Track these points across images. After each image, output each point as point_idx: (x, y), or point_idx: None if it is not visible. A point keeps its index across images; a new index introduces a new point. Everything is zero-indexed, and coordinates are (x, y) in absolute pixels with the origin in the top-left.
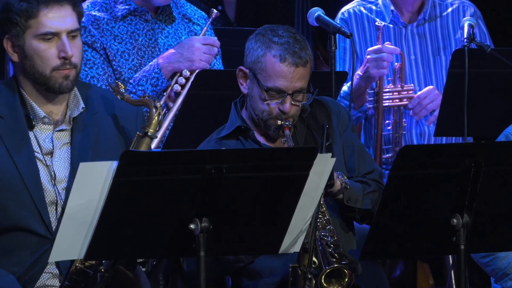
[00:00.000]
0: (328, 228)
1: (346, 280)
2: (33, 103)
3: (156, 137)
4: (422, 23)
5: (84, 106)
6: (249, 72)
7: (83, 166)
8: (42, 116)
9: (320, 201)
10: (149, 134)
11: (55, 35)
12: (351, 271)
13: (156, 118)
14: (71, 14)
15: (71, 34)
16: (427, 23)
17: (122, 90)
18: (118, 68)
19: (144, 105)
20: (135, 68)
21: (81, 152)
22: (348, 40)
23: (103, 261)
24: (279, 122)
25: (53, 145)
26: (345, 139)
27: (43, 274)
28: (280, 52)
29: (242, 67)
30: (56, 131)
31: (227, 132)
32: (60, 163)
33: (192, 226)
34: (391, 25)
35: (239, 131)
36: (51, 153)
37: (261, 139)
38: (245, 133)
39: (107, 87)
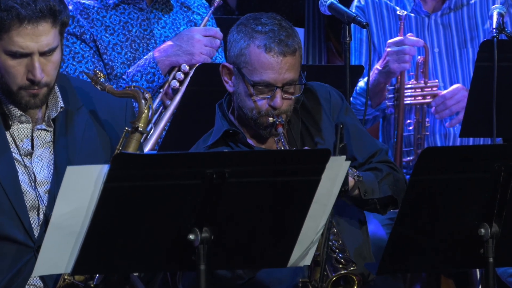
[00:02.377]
0: (332, 231)
1: (355, 287)
2: (8, 102)
3: (147, 132)
4: (447, 12)
5: (63, 106)
6: (233, 68)
7: (70, 170)
8: (19, 114)
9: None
10: (139, 129)
11: (26, 55)
12: (359, 277)
13: (146, 111)
14: (49, 31)
15: (46, 52)
16: (453, 12)
17: (102, 79)
18: (110, 62)
19: (130, 97)
20: (128, 62)
21: (65, 151)
22: (364, 31)
23: (96, 276)
24: (270, 119)
25: (32, 145)
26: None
27: (26, 287)
28: (264, 41)
29: (225, 63)
30: (37, 129)
31: (214, 139)
32: (41, 164)
33: (191, 236)
34: (412, 14)
35: (227, 136)
36: (30, 154)
37: (252, 141)
38: (235, 138)
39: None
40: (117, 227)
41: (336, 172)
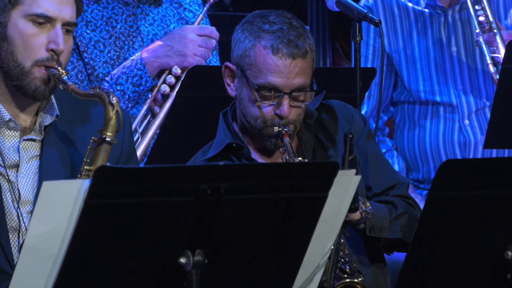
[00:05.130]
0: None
1: None
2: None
3: (116, 141)
4: (466, 7)
5: (58, 114)
6: (236, 69)
7: (47, 186)
8: (7, 119)
9: (341, 228)
10: (107, 139)
11: (49, 21)
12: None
13: (114, 117)
14: (72, 3)
15: (67, 27)
16: None
17: (65, 77)
18: (91, 62)
19: (95, 99)
20: (112, 62)
21: (53, 168)
22: (372, 33)
23: None
24: (276, 129)
25: (19, 157)
26: (358, 148)
27: None
28: (271, 41)
29: (228, 64)
30: (24, 140)
31: (215, 152)
32: (27, 180)
33: (182, 260)
34: (426, 10)
35: (230, 150)
36: (16, 166)
37: (257, 156)
38: (238, 152)
39: (78, 86)
40: (99, 249)
41: (345, 188)
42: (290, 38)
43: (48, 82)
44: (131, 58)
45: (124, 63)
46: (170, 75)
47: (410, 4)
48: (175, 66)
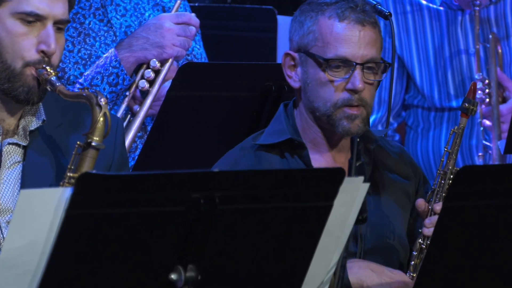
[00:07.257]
0: None
1: None
2: None
3: (103, 146)
4: (486, 5)
5: (45, 119)
6: (298, 56)
7: (25, 195)
8: None
9: (348, 241)
10: (92, 144)
11: (40, 19)
12: None
13: (101, 120)
14: (64, 0)
15: (58, 25)
16: (493, 6)
17: (53, 78)
18: (60, 63)
19: (83, 101)
20: (83, 62)
21: (36, 175)
22: (384, 33)
23: None
24: (347, 109)
25: (0, 162)
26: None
27: None
28: (336, 10)
29: (289, 51)
30: (8, 143)
31: (276, 141)
32: (7, 187)
33: (173, 276)
34: (441, 8)
35: (285, 144)
36: None
37: (317, 162)
38: (296, 151)
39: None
40: (82, 264)
41: (352, 197)
42: (357, 3)
43: (36, 87)
44: (105, 55)
45: (97, 62)
46: (148, 70)
47: (424, 2)
48: (153, 59)
